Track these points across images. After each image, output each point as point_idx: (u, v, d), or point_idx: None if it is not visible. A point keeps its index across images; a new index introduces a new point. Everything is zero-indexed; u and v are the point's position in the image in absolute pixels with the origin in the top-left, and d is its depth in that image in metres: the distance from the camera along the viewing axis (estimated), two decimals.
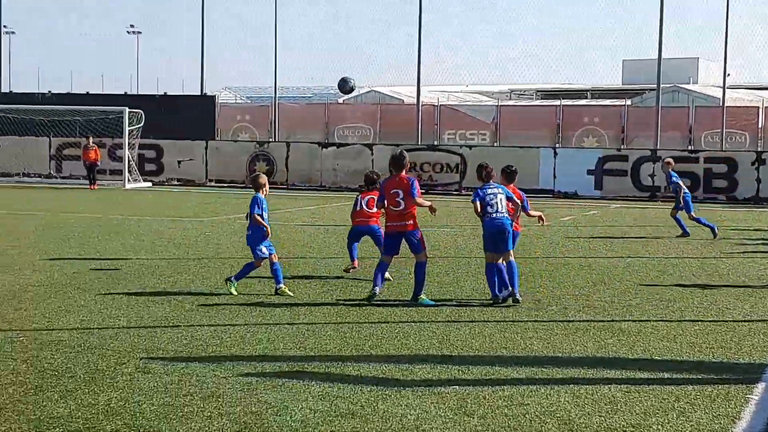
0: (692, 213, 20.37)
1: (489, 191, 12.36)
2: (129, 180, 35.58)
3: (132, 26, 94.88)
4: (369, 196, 14.12)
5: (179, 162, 37.70)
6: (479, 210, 12.23)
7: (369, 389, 7.91)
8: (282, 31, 42.47)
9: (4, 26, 49.93)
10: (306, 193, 33.89)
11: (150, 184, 36.58)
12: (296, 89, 62.53)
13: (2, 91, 45.00)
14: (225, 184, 36.53)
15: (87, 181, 34.56)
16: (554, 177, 33.82)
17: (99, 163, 35.28)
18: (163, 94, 43.56)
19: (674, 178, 20.67)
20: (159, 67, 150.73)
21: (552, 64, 58.48)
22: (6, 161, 39.11)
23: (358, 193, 14.64)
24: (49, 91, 42.67)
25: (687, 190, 20.81)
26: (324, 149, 37.43)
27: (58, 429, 6.78)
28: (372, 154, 36.18)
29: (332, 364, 8.80)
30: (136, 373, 8.32)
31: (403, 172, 12.27)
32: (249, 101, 60.18)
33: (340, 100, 51.82)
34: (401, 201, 12.05)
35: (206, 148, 37.59)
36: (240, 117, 47.74)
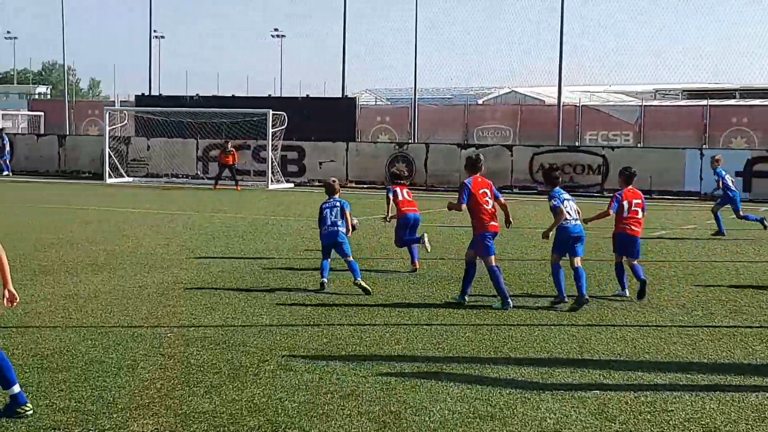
0: (740, 211, 20.80)
1: (564, 196, 12.23)
2: (272, 181, 36.26)
3: (276, 29, 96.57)
4: (406, 189, 15.36)
5: (320, 163, 38.21)
6: (563, 215, 12.00)
7: (508, 391, 7.87)
8: (422, 32, 42.61)
9: (154, 31, 51.59)
10: (445, 195, 33.88)
11: (292, 185, 37.19)
12: (436, 90, 62.59)
13: (152, 94, 46.52)
14: (365, 185, 36.85)
15: (232, 182, 35.18)
16: (701, 179, 32.90)
17: (236, 165, 35.85)
18: (305, 96, 44.25)
19: (722, 175, 20.84)
20: (302, 69, 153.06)
21: (699, 63, 56.96)
22: (156, 162, 40.38)
23: (390, 186, 15.61)
24: (197, 94, 43.88)
25: (735, 189, 21.01)
26: (463, 150, 37.38)
27: (203, 424, 6.96)
28: (512, 155, 35.95)
29: (471, 366, 8.79)
30: (278, 370, 8.48)
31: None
32: (389, 103, 60.57)
33: (480, 101, 51.66)
34: (489, 200, 12.12)
35: (347, 149, 38.00)
36: (380, 118, 48.12)
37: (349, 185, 37.39)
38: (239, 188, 34.69)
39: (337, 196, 13.56)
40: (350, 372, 8.42)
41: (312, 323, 10.63)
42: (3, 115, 65.44)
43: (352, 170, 37.80)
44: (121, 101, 58.18)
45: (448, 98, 60.38)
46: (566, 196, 12.34)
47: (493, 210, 12.10)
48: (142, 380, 8.04)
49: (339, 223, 13.15)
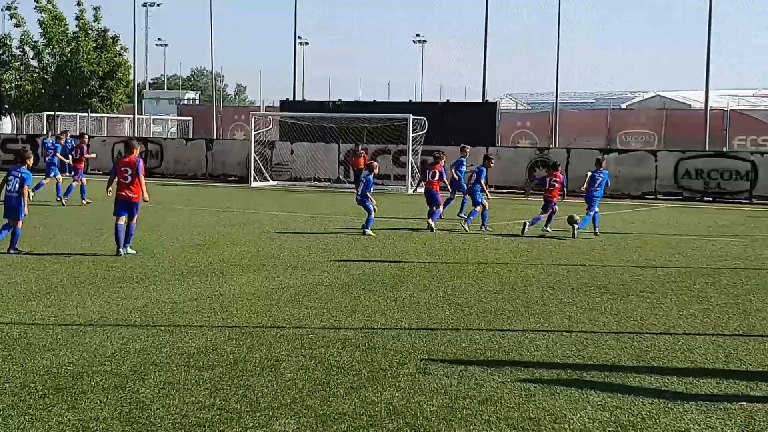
0: None
1: None
2: (412, 185, 36.42)
3: (417, 35, 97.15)
4: (433, 169, 22.17)
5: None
6: None
7: (650, 401, 7.72)
8: (564, 35, 42.16)
9: (299, 37, 52.47)
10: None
11: None
12: (578, 95, 61.87)
13: (296, 99, 47.35)
14: (504, 190, 36.63)
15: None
16: None
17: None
18: (445, 101, 44.32)
19: None
20: (442, 74, 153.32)
21: None
22: (299, 166, 41.07)
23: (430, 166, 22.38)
24: (339, 100, 44.45)
25: None
26: (605, 155, 36.78)
27: (343, 425, 7.04)
28: (656, 160, 35.19)
29: (612, 374, 8.65)
30: (417, 373, 8.52)
31: None
32: (530, 108, 60.14)
33: (623, 106, 50.78)
34: None
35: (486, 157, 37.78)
36: (520, 123, 47.87)
37: (488, 190, 37.24)
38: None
39: None
40: (489, 377, 8.40)
41: (451, 327, 10.65)
42: (154, 119, 67.76)
43: (491, 175, 37.50)
44: (266, 106, 59.44)
45: (591, 102, 59.60)
46: None
47: None
48: (284, 380, 8.20)
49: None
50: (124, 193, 16.12)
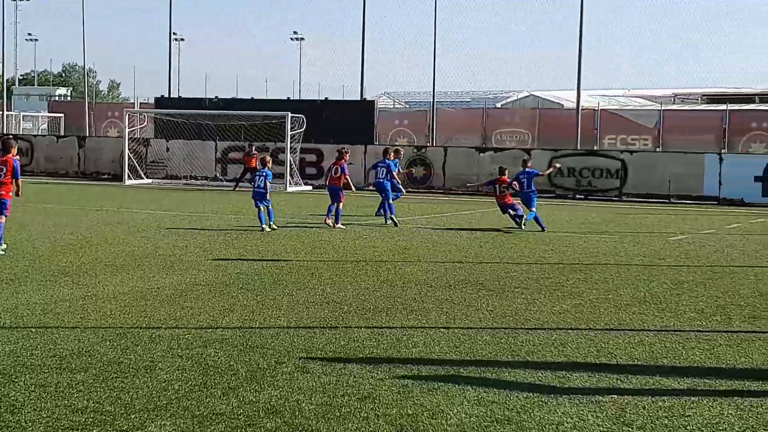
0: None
1: None
2: (290, 183, 36.34)
3: (295, 33, 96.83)
4: (336, 165, 22.20)
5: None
6: None
7: (525, 395, 7.86)
8: (441, 35, 42.64)
9: (174, 33, 51.75)
10: (462, 198, 33.88)
11: (310, 187, 37.24)
12: (455, 94, 62.57)
13: (171, 96, 46.68)
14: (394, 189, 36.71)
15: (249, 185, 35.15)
16: (720, 184, 32.79)
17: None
18: (324, 99, 44.30)
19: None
20: (321, 72, 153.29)
21: (718, 67, 56.82)
22: (175, 164, 40.53)
23: (334, 163, 22.48)
24: (216, 97, 43.98)
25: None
26: (481, 154, 37.36)
27: (220, 425, 6.97)
28: (530, 158, 35.81)
29: (488, 369, 8.78)
30: (295, 372, 8.49)
31: None
32: (407, 106, 60.58)
33: (498, 105, 51.62)
34: None
35: (365, 152, 38.01)
36: (398, 122, 48.17)
37: (366, 188, 37.43)
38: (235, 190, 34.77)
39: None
40: (367, 374, 8.43)
41: (329, 326, 10.64)
42: (24, 116, 65.90)
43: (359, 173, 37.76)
44: (140, 103, 58.48)
45: (467, 102, 60.36)
46: None
47: None
48: (160, 381, 8.07)
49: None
50: None
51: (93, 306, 11.42)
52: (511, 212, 22.10)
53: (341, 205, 21.82)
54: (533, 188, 22.28)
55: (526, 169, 22.56)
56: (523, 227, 21.60)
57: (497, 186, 22.30)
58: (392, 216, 22.67)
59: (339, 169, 22.17)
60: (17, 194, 16.26)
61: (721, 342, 10.16)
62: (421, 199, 31.90)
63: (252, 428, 6.92)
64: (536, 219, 21.69)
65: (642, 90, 58.34)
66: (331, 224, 21.25)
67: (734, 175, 32.78)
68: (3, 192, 16.02)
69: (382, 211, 23.32)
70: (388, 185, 23.33)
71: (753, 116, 44.51)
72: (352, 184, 22.83)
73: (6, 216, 16.09)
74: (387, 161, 23.98)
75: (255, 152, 35.61)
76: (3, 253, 15.63)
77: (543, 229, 21.42)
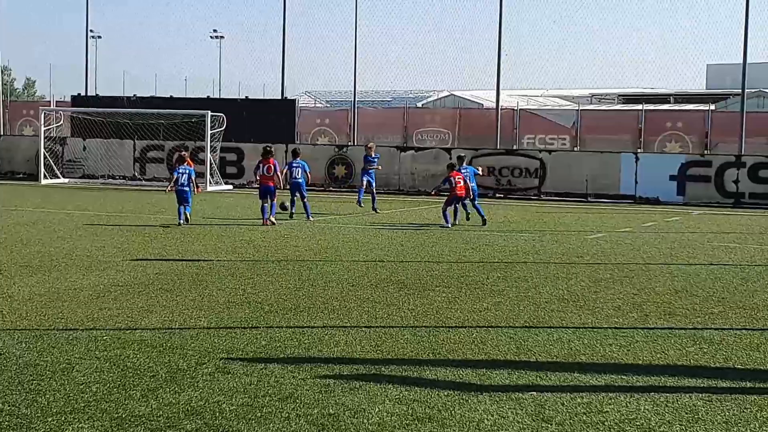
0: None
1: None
2: (210, 182, 36.03)
3: (215, 31, 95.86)
4: (268, 164, 22.64)
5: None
6: None
7: (446, 393, 7.91)
8: (362, 35, 42.65)
9: (91, 30, 50.92)
10: (384, 197, 33.95)
11: (231, 186, 36.97)
12: (375, 93, 62.65)
13: (89, 94, 45.94)
14: (306, 188, 36.62)
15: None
16: (636, 182, 33.34)
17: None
18: (244, 98, 43.97)
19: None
20: (241, 71, 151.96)
21: (634, 68, 57.80)
22: (92, 164, 39.92)
23: (259, 161, 22.95)
24: (134, 95, 43.39)
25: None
26: (402, 153, 37.48)
27: (139, 427, 6.89)
28: (450, 157, 36.06)
29: (409, 368, 8.82)
30: (216, 373, 8.43)
31: None
32: (329, 105, 60.48)
33: (419, 104, 51.83)
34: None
35: (286, 151, 37.84)
36: (320, 121, 47.99)
37: (287, 187, 37.25)
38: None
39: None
40: (289, 374, 8.40)
41: (250, 326, 10.59)
42: None
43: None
44: (56, 101, 57.40)
45: (388, 101, 60.48)
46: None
47: None
48: (78, 384, 7.95)
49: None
50: None
51: (8, 308, 11.20)
52: (468, 202, 23.16)
53: (276, 201, 22.64)
54: (474, 183, 23.59)
55: (465, 166, 23.91)
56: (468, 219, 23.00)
57: (451, 179, 22.93)
58: (310, 215, 23.79)
59: (272, 168, 22.87)
60: None
61: (637, 338, 10.35)
62: (343, 198, 31.88)
63: (172, 430, 6.86)
64: (478, 210, 23.06)
65: (560, 90, 59.06)
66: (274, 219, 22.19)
67: (650, 174, 33.36)
68: None
69: (362, 197, 26.24)
70: (304, 184, 24.21)
71: (668, 116, 45.29)
72: (281, 182, 23.42)
73: None
74: (301, 161, 24.65)
75: (185, 154, 35.13)
76: None
77: (467, 219, 23.02)
